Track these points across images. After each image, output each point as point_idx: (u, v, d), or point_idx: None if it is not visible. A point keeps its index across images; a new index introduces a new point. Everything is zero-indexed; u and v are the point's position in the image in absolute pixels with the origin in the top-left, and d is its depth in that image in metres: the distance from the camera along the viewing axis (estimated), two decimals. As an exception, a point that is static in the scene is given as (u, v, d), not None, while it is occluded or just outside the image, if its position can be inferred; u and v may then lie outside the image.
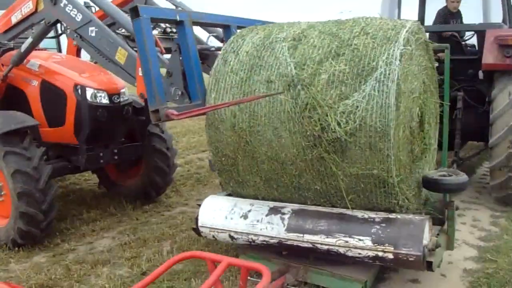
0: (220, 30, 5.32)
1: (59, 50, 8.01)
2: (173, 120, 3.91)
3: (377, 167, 3.68)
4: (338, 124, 3.60)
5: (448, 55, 5.20)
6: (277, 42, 4.13)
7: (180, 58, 4.29)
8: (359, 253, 3.85)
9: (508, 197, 6.38)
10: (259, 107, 4.02)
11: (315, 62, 3.84)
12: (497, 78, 6.36)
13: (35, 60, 6.13)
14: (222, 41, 5.43)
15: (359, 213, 3.98)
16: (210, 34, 5.62)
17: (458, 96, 6.75)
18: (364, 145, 3.64)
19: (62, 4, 5.11)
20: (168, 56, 4.54)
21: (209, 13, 4.75)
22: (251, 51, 4.22)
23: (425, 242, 3.69)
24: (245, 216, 4.33)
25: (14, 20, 5.81)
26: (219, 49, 5.02)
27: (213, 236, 4.55)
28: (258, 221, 4.25)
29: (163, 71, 4.35)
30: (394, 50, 3.64)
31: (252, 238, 4.29)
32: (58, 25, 6.09)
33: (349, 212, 4.01)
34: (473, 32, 7.58)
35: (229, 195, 4.78)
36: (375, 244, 3.76)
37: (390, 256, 3.73)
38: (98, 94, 5.77)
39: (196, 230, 4.68)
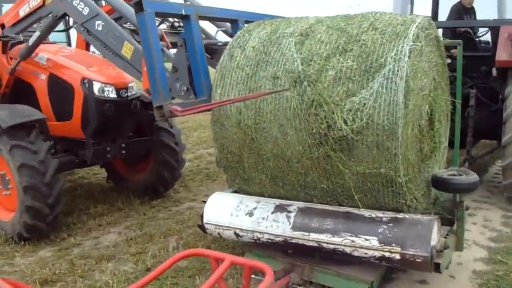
0: (229, 25, 5.25)
1: (69, 44, 8.01)
2: (177, 116, 3.86)
3: (384, 166, 3.60)
4: (345, 122, 3.52)
5: (460, 51, 5.08)
6: (284, 38, 4.06)
7: (186, 53, 4.23)
8: (365, 253, 3.77)
9: (520, 197, 6.26)
10: (264, 104, 3.95)
11: (322, 58, 3.76)
12: (511, 76, 6.23)
13: (43, 53, 6.13)
14: (231, 36, 5.35)
15: (366, 212, 3.90)
16: (219, 29, 5.55)
17: (470, 94, 6.63)
18: (371, 143, 3.56)
19: None
20: (174, 51, 4.49)
21: (216, 7, 4.69)
22: (258, 46, 4.15)
23: (433, 243, 3.61)
24: (250, 214, 4.27)
25: (22, 13, 5.79)
26: (226, 44, 4.95)
27: (219, 234, 4.50)
28: (263, 218, 4.19)
29: (169, 66, 4.30)
30: (403, 46, 3.55)
31: (257, 236, 4.23)
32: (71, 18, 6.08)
33: (355, 211, 3.93)
34: (487, 29, 7.45)
35: (236, 192, 4.73)
36: (382, 244, 3.69)
37: (397, 256, 3.65)
38: (106, 88, 5.75)
39: (202, 227, 4.63)
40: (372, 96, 3.51)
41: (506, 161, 6.12)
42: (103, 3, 5.90)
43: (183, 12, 4.09)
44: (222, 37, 5.51)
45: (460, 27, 7.34)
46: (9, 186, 5.45)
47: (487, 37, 7.61)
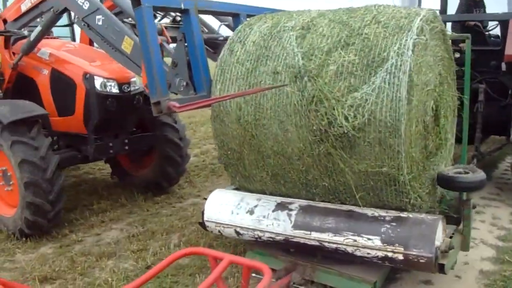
0: (231, 19, 5.17)
1: (73, 39, 7.96)
2: (175, 113, 3.79)
3: (387, 164, 3.50)
4: (346, 118, 3.43)
5: (469, 45, 4.96)
6: (285, 31, 3.96)
7: (186, 48, 4.16)
8: (368, 253, 3.69)
9: (530, 194, 6.14)
10: (264, 100, 3.86)
11: (324, 52, 3.66)
12: (521, 71, 6.10)
13: (45, 48, 6.09)
14: (233, 30, 5.28)
15: (369, 211, 3.81)
16: (221, 23, 5.47)
17: (479, 89, 6.49)
18: (373, 140, 3.46)
19: None
20: (175, 45, 4.42)
21: (216, 1, 4.60)
22: (258, 40, 4.06)
23: (437, 243, 3.51)
24: (251, 212, 4.20)
25: (23, 8, 5.76)
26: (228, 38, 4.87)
27: (219, 231, 4.44)
28: (264, 216, 4.12)
29: (168, 60, 4.23)
30: (406, 40, 3.44)
31: (258, 234, 4.16)
32: (72, 13, 6.03)
33: (358, 209, 3.84)
34: (496, 22, 7.30)
35: (238, 189, 4.65)
36: (385, 244, 3.60)
37: (400, 257, 3.56)
38: (108, 83, 5.70)
39: (202, 224, 4.57)
40: (374, 92, 3.41)
41: (515, 158, 6.00)
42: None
43: (182, 6, 4.01)
44: (225, 31, 5.43)
45: (469, 20, 7.20)
46: (11, 182, 5.42)
47: (497, 31, 7.46)
